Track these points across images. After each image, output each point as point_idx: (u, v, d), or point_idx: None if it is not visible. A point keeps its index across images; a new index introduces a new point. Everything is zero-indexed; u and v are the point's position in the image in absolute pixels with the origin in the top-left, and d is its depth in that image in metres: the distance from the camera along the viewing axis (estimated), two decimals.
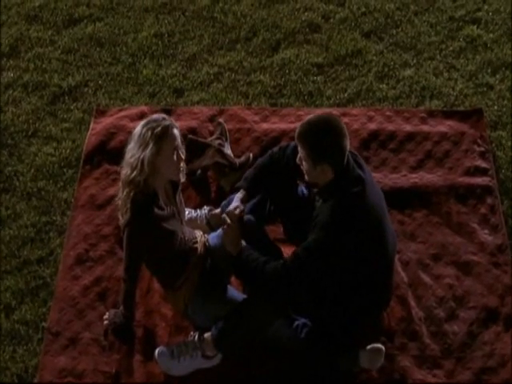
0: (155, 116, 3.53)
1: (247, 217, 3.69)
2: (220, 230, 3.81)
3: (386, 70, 5.16)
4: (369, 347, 3.63)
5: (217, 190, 4.44)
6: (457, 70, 5.15)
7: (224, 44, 5.36)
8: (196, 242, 3.81)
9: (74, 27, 5.50)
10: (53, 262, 4.13)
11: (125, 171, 3.52)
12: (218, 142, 4.55)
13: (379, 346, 3.63)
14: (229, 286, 3.83)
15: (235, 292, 3.80)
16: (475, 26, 5.46)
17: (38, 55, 5.30)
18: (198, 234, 3.90)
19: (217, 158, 4.45)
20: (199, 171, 4.48)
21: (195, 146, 4.52)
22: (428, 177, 4.47)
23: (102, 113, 4.88)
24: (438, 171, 4.51)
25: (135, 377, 3.68)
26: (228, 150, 4.54)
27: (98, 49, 5.35)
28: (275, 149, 3.77)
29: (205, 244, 3.84)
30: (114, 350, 3.78)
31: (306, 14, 5.56)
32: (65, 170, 4.58)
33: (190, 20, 5.55)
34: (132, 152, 3.48)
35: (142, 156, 3.43)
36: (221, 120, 4.71)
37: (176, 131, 3.51)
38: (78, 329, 3.85)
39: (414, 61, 5.22)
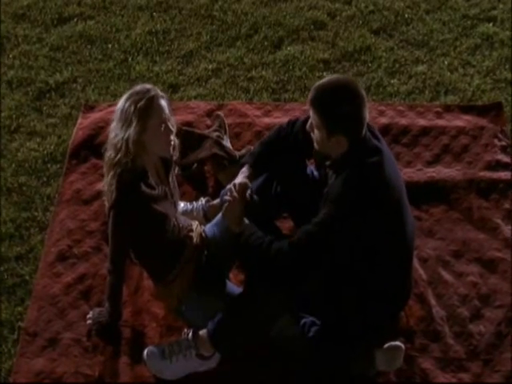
0: (138, 88, 3.20)
1: (250, 194, 3.38)
2: (217, 218, 3.51)
3: (397, 65, 4.93)
4: (386, 346, 3.29)
5: (214, 185, 4.14)
6: (473, 66, 4.92)
7: (223, 41, 5.14)
8: (191, 231, 3.50)
9: (64, 25, 5.29)
10: (32, 259, 3.82)
11: (108, 153, 3.21)
12: (217, 134, 4.28)
13: (398, 343, 3.29)
14: (228, 282, 3.51)
15: (235, 288, 3.47)
16: (490, 24, 5.25)
17: (25, 52, 5.08)
18: (194, 223, 3.59)
19: (215, 149, 4.17)
20: (195, 165, 4.20)
21: (191, 138, 4.25)
22: (446, 171, 4.20)
23: (90, 108, 4.62)
24: (457, 166, 4.24)
25: (121, 380, 3.32)
26: (227, 143, 4.26)
27: (88, 46, 5.13)
28: (283, 124, 3.49)
29: (201, 234, 3.53)
30: (97, 352, 3.43)
31: (310, 11, 5.36)
32: (49, 165, 4.29)
33: (186, 18, 5.35)
34: (115, 131, 3.17)
35: (126, 136, 3.13)
36: (219, 113, 4.45)
37: (163, 101, 3.20)
38: (58, 329, 3.51)
39: (427, 57, 5.00)
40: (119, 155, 3.16)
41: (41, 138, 4.46)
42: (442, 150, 4.34)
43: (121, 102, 3.18)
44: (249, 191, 3.34)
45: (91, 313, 3.52)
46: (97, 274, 3.73)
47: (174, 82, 4.82)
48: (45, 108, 4.66)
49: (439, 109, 4.58)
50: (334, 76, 3.10)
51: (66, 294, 3.65)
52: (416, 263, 3.71)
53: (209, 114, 4.54)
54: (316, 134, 3.06)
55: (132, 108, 3.12)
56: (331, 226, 2.99)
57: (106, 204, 3.28)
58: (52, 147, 4.39)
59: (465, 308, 3.59)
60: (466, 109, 4.58)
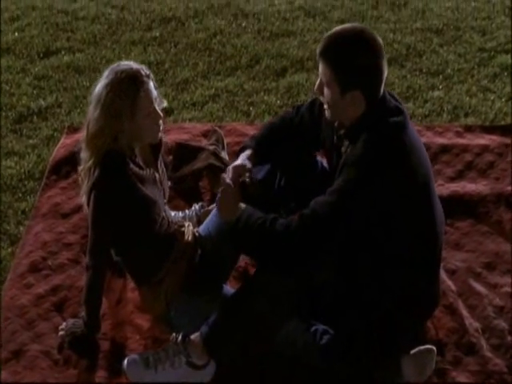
0: (119, 73, 2.83)
1: (248, 176, 3.04)
2: (211, 215, 3.17)
3: (411, 91, 4.72)
4: (414, 351, 2.89)
5: (210, 200, 3.81)
6: (493, 92, 4.71)
7: (222, 70, 4.97)
8: (183, 226, 3.16)
9: (50, 57, 5.13)
10: (1, 271, 3.45)
11: (93, 143, 2.91)
12: (213, 147, 4.01)
13: (428, 346, 2.89)
14: (225, 286, 3.14)
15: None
16: (508, 55, 5.10)
17: (7, 81, 4.89)
18: (186, 222, 3.26)
19: (211, 160, 3.89)
20: (189, 178, 3.89)
21: (185, 151, 3.98)
22: (470, 186, 3.91)
23: (74, 130, 4.36)
24: (483, 181, 3.96)
25: None
26: (225, 156, 3.98)
27: (76, 75, 4.94)
28: (288, 109, 3.20)
29: (194, 233, 3.18)
30: (69, 365, 3.01)
31: (315, 44, 5.20)
32: (26, 182, 4.00)
33: (182, 51, 5.20)
34: (100, 124, 2.86)
35: (114, 130, 2.85)
36: (217, 128, 4.19)
37: (151, 84, 2.90)
38: (25, 340, 3.10)
39: (443, 84, 4.81)
40: (105, 146, 2.88)
41: (19, 157, 4.19)
42: (466, 167, 4.08)
43: (101, 93, 2.84)
44: (247, 174, 3.02)
45: (64, 324, 3.13)
46: (73, 286, 3.36)
47: (167, 106, 4.54)
48: (25, 130, 4.42)
49: (459, 129, 4.34)
50: (348, 24, 2.79)
51: (36, 306, 3.26)
52: (443, 274, 3.35)
53: (205, 134, 4.28)
54: (326, 94, 2.74)
55: (118, 101, 2.82)
56: (352, 193, 2.61)
57: (86, 207, 2.97)
58: (30, 165, 4.11)
59: (502, 319, 3.21)
60: (488, 129, 4.34)
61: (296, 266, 2.73)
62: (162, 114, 2.97)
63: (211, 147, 3.98)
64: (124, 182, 2.87)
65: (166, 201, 3.21)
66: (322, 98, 2.80)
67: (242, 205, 2.84)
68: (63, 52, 5.19)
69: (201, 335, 2.87)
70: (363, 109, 2.72)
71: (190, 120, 4.46)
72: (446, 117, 4.47)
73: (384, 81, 2.72)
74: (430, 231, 2.82)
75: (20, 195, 3.91)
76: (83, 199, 2.99)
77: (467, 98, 4.63)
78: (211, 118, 4.48)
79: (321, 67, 2.72)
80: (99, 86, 2.88)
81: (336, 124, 2.86)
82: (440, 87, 4.77)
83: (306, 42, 5.26)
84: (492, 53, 5.13)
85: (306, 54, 5.11)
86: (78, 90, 4.78)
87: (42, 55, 5.17)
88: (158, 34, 5.37)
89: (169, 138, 4.08)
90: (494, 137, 4.27)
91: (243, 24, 5.52)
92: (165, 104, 3.05)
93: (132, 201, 2.90)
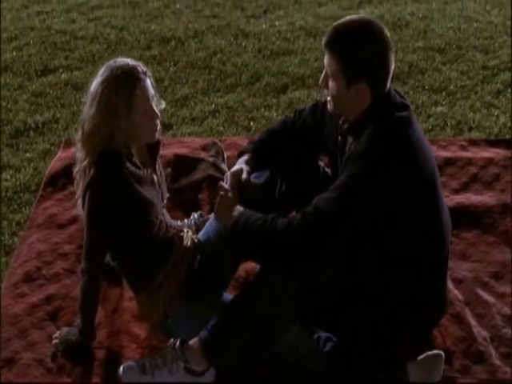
0: (115, 71, 2.82)
1: (245, 178, 2.99)
2: (210, 221, 3.12)
3: (414, 107, 4.68)
4: (422, 356, 2.82)
5: (210, 211, 3.76)
6: (497, 108, 4.69)
7: (222, 87, 4.95)
8: (181, 231, 3.11)
9: (48, 75, 5.13)
10: None
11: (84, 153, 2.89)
12: (213, 159, 3.97)
13: (436, 351, 2.82)
14: (225, 294, 3.07)
15: None
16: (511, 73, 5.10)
17: (4, 98, 4.87)
18: (185, 229, 3.20)
19: (211, 171, 3.85)
20: (188, 189, 3.84)
21: (184, 163, 3.95)
22: (476, 197, 3.87)
23: (71, 144, 4.32)
24: (489, 193, 3.92)
25: None
26: (225, 168, 3.94)
27: (73, 92, 4.93)
28: (289, 114, 3.17)
29: (193, 239, 3.12)
30: (63, 373, 2.93)
31: (316, 62, 5.23)
32: (21, 194, 3.96)
33: (182, 69, 5.20)
34: (96, 121, 2.83)
35: (109, 127, 2.81)
36: (216, 141, 4.16)
37: (148, 82, 2.89)
38: (17, 349, 3.03)
39: (446, 100, 4.79)
40: (101, 144, 2.84)
41: (14, 170, 4.15)
42: (471, 179, 4.05)
43: (97, 88, 2.81)
44: (244, 175, 2.98)
45: (58, 332, 3.06)
46: (68, 296, 3.30)
47: (166, 122, 4.55)
48: (21, 145, 4.40)
49: (463, 142, 4.31)
50: (354, 15, 2.74)
51: (30, 315, 3.19)
52: (450, 284, 3.29)
53: (204, 148, 4.24)
54: (331, 86, 2.69)
55: (114, 98, 2.79)
56: (356, 189, 2.55)
57: (81, 211, 2.92)
58: (26, 178, 4.08)
59: (511, 328, 3.14)
60: (493, 143, 4.32)
61: (299, 264, 2.66)
62: (159, 113, 2.93)
63: (211, 159, 3.94)
64: (120, 180, 2.82)
65: (164, 204, 3.16)
66: (326, 91, 2.75)
67: (240, 208, 2.79)
68: (61, 70, 5.19)
69: (200, 340, 2.80)
70: (368, 102, 2.67)
71: (190, 135, 4.42)
72: (449, 131, 4.45)
73: (391, 74, 2.68)
74: (436, 232, 2.77)
75: (15, 207, 3.87)
76: (79, 202, 2.94)
77: (471, 114, 4.61)
78: (211, 133, 4.46)
79: (326, 58, 2.67)
80: (94, 84, 2.85)
81: (341, 121, 2.81)
82: (443, 103, 4.75)
83: (306, 61, 5.25)
84: (495, 70, 5.13)
85: (306, 71, 5.10)
86: (75, 106, 4.77)
87: (39, 73, 5.17)
88: (157, 53, 5.38)
89: (167, 151, 4.06)
90: (498, 150, 4.25)
91: (243, 43, 5.54)
92: (163, 105, 3.02)
93: (128, 200, 2.85)
